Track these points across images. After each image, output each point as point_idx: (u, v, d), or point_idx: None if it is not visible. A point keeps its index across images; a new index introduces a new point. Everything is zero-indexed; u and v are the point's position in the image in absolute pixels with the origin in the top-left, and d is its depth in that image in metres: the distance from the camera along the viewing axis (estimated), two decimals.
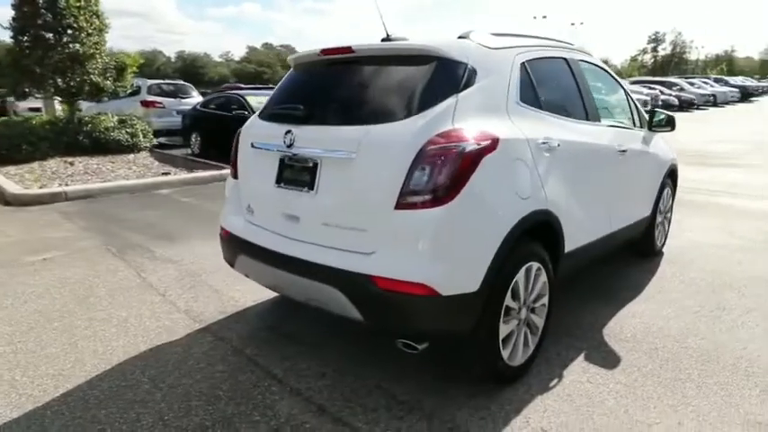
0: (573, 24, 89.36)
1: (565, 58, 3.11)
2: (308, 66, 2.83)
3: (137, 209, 6.46)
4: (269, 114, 2.80)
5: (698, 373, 2.63)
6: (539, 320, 2.63)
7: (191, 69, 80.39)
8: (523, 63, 2.65)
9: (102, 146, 10.02)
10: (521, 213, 2.30)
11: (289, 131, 2.46)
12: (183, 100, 13.64)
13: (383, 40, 2.72)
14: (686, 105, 26.33)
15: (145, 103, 12.88)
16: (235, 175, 2.94)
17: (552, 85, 2.89)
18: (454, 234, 2.09)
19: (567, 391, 2.49)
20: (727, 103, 30.63)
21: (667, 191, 4.42)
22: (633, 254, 4.36)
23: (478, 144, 2.12)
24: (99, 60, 10.42)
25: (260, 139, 2.71)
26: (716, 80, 34.85)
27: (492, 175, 2.17)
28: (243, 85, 15.01)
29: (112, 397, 2.45)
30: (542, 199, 2.45)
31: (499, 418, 2.28)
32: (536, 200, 2.41)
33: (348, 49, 2.51)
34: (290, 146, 2.45)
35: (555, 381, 2.58)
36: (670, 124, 3.88)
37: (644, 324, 3.20)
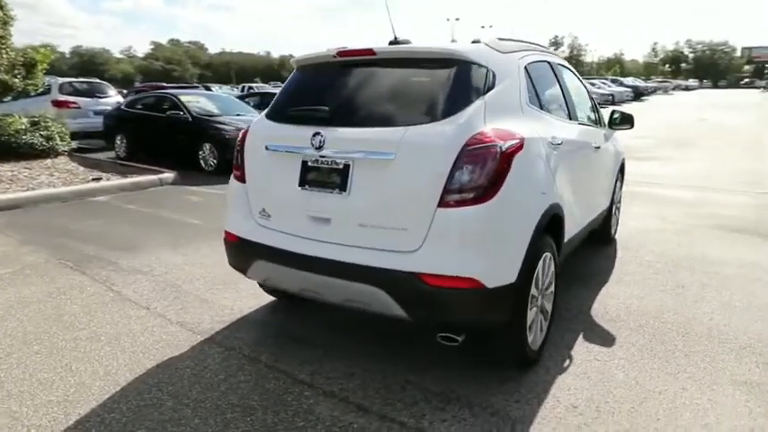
0: (483, 27, 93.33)
1: (548, 62, 3.35)
2: (319, 67, 2.81)
3: (76, 218, 5.95)
4: (284, 116, 2.74)
5: (682, 344, 2.96)
6: (549, 306, 2.82)
7: (89, 66, 74.40)
8: (525, 66, 2.82)
9: (12, 150, 9.07)
10: (543, 207, 2.47)
11: (317, 133, 2.43)
12: (101, 99, 12.65)
13: (391, 42, 2.77)
14: None
15: (57, 103, 11.77)
16: (242, 179, 2.84)
17: (546, 87, 3.10)
18: (496, 229, 2.21)
19: (580, 370, 2.70)
20: (623, 101, 33.69)
21: (619, 183, 4.86)
22: (592, 242, 4.74)
23: (511, 143, 2.25)
24: (4, 56, 9.41)
25: (277, 141, 2.65)
26: (612, 81, 38.20)
27: (522, 172, 2.31)
28: (166, 84, 14.19)
29: (138, 419, 2.30)
30: (555, 194, 2.64)
31: (533, 400, 2.43)
32: (551, 195, 2.59)
33: (369, 51, 2.54)
34: (319, 148, 2.43)
35: (567, 362, 2.78)
36: (629, 122, 4.27)
37: (623, 304, 3.52)
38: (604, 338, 3.05)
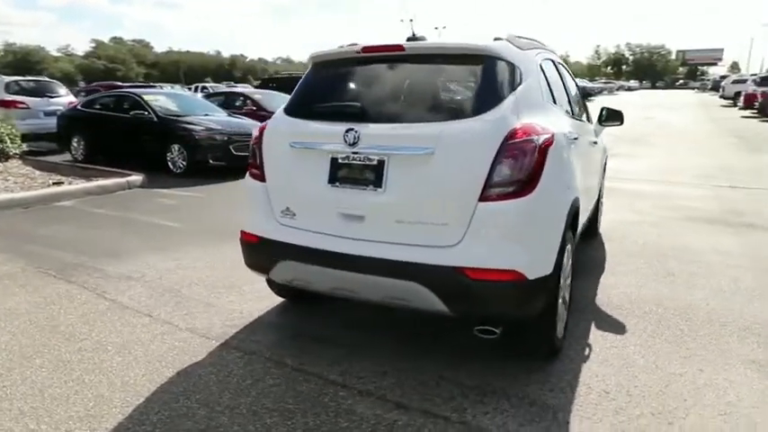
0: (437, 28, 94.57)
1: (552, 60, 3.44)
2: (341, 63, 2.77)
3: (44, 224, 5.60)
4: (309, 112, 2.68)
5: (687, 329, 3.12)
6: (567, 296, 2.90)
7: (24, 64, 69.99)
8: (540, 63, 2.89)
9: None
10: (570, 201, 2.54)
11: (350, 129, 2.40)
12: (52, 99, 11.95)
13: (409, 39, 2.77)
14: None
15: (4, 104, 11.02)
16: (261, 178, 2.76)
17: (554, 84, 3.18)
18: (536, 222, 2.25)
19: (601, 357, 2.79)
20: None
21: (603, 178, 5.06)
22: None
23: (545, 137, 2.30)
24: None
25: (302, 138, 2.59)
26: None
27: (554, 166, 2.36)
28: (122, 84, 13.58)
29: (171, 429, 2.19)
30: (575, 187, 2.72)
31: (566, 388, 2.49)
32: (574, 188, 2.67)
33: (398, 47, 2.52)
34: (352, 144, 2.39)
35: (587, 350, 2.87)
36: (619, 119, 4.44)
37: (623, 293, 3.66)
38: (615, 326, 3.16)
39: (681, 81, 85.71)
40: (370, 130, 2.38)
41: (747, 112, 22.84)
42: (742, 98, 23.67)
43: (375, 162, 2.38)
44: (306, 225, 2.58)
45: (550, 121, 2.56)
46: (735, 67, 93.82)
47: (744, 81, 31.63)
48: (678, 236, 5.06)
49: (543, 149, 2.26)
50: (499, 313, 2.30)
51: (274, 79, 15.88)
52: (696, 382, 2.55)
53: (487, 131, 2.23)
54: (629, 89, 67.26)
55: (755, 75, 31.21)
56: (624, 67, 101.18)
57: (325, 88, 2.79)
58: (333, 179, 2.48)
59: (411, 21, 2.96)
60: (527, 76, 2.55)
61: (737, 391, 2.46)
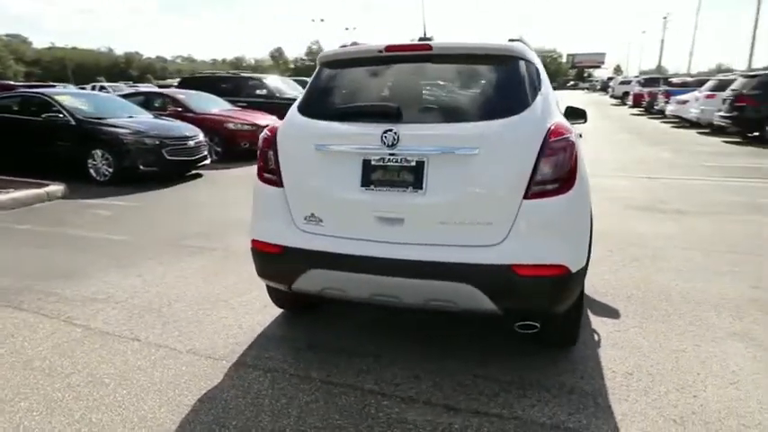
0: (347, 29, 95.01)
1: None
2: (360, 63, 2.68)
3: None
4: (334, 113, 2.57)
5: (671, 309, 3.40)
6: None
7: None
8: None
9: None
10: (590, 194, 2.66)
11: (389, 130, 2.32)
12: None
13: (421, 39, 2.76)
14: None
15: None
16: (277, 183, 2.59)
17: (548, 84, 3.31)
18: (576, 217, 2.33)
19: (610, 342, 2.96)
20: None
21: None
22: None
23: (573, 135, 2.39)
24: None
25: (331, 140, 2.47)
26: None
27: (581, 162, 2.46)
28: (15, 83, 12.09)
29: None
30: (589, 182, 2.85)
31: (594, 374, 2.61)
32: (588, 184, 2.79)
33: (426, 47, 2.49)
34: (392, 145, 2.32)
35: (596, 336, 3.03)
36: (583, 117, 4.71)
37: (602, 279, 3.91)
38: (609, 311, 3.37)
39: (571, 82, 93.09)
40: (409, 131, 2.33)
41: (636, 110, 25.43)
42: (631, 98, 26.22)
43: (414, 163, 2.33)
44: (335, 231, 2.46)
45: (564, 120, 2.66)
46: (618, 69, 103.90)
47: (629, 82, 35.16)
48: (626, 224, 5.50)
49: (576, 146, 2.35)
50: (545, 307, 2.35)
51: (197, 78, 14.99)
52: (699, 356, 2.79)
53: (529, 130, 2.28)
54: None
55: (639, 77, 34.78)
56: None
57: (347, 88, 2.69)
58: (366, 182, 2.39)
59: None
60: (543, 77, 2.63)
61: (735, 361, 2.73)
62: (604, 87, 47.61)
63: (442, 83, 2.56)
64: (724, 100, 13.22)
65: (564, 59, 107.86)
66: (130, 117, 8.69)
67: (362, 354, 2.81)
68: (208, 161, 8.95)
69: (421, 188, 2.32)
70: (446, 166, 2.30)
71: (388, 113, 2.41)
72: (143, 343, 2.96)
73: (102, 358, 2.78)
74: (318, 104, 2.65)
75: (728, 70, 50.06)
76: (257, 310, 3.39)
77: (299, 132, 2.57)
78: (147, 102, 11.08)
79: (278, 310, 3.34)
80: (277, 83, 14.46)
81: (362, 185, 2.40)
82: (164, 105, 11.17)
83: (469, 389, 2.49)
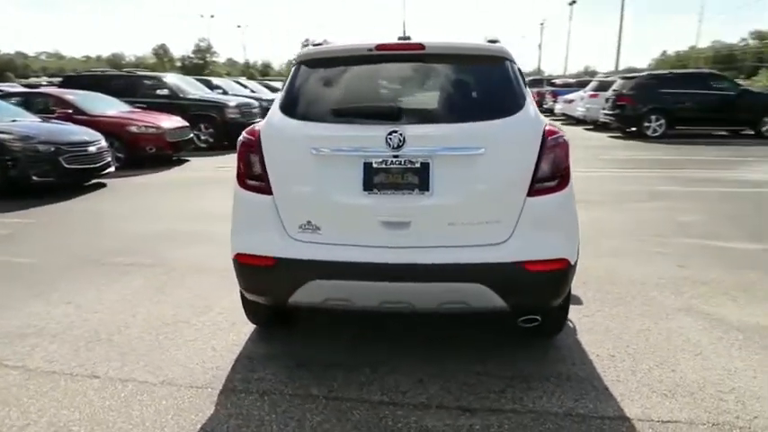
0: (239, 26, 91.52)
1: None
2: (347, 61, 2.56)
3: None
4: (327, 114, 2.42)
5: (624, 291, 3.67)
6: None
7: None
8: None
9: None
10: None
11: (394, 132, 2.24)
12: None
13: (401, 38, 2.70)
14: None
15: None
16: (265, 191, 2.40)
17: None
18: (571, 212, 2.42)
19: (585, 327, 3.13)
20: None
21: None
22: None
23: (563, 134, 2.49)
24: None
25: (329, 143, 2.33)
26: None
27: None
28: None
29: None
30: None
31: (583, 359, 2.75)
32: None
33: (419, 46, 2.43)
34: (397, 147, 2.24)
35: (571, 324, 3.19)
36: None
37: None
38: (573, 298, 3.57)
39: None
40: (414, 132, 2.27)
41: None
42: None
43: (418, 165, 2.28)
44: (335, 239, 2.33)
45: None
46: None
47: None
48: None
49: (568, 145, 2.45)
50: (549, 300, 2.42)
51: (85, 77, 13.44)
52: (662, 333, 3.05)
53: (528, 130, 2.33)
54: None
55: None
56: None
57: (338, 88, 2.55)
58: (369, 186, 2.29)
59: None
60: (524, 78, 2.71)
61: (692, 335, 3.03)
62: None
63: (436, 82, 2.53)
64: (607, 99, 14.72)
65: None
66: (14, 121, 7.60)
67: (357, 365, 2.71)
68: (112, 168, 8.10)
69: (427, 190, 2.27)
70: (452, 167, 2.28)
71: (389, 114, 2.33)
72: (104, 379, 2.59)
73: (59, 403, 2.39)
74: (308, 105, 2.50)
75: (594, 72, 55.70)
76: (226, 328, 3.13)
77: (290, 135, 2.40)
78: (26, 103, 9.75)
79: (249, 328, 3.11)
80: (178, 82, 13.53)
81: (365, 189, 2.30)
82: (47, 107, 9.91)
83: (476, 388, 2.50)
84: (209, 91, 15.00)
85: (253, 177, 2.44)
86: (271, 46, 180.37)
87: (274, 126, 2.45)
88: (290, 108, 2.48)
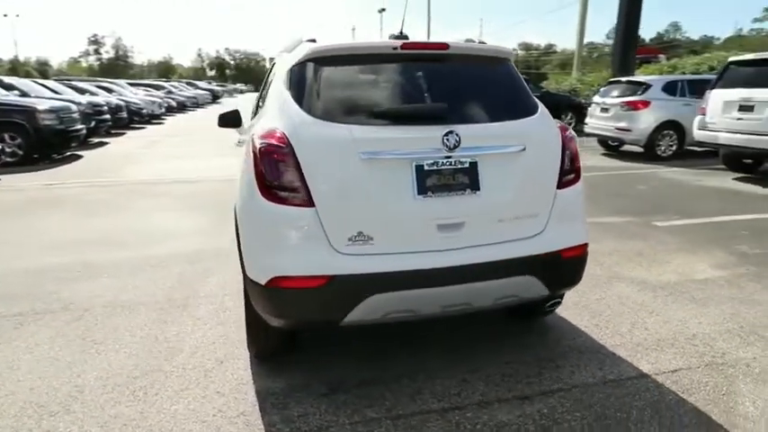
0: (6, 15, 76.39)
1: None
2: (369, 59, 2.41)
3: None
4: (373, 116, 2.25)
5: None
6: None
7: None
8: None
9: None
10: None
11: (450, 132, 2.18)
12: None
13: (397, 37, 2.66)
14: (182, 107, 28.70)
15: None
16: (306, 203, 2.12)
17: None
18: (583, 200, 2.66)
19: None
20: (205, 104, 35.09)
21: None
22: None
23: None
24: None
25: (379, 146, 2.15)
26: (188, 84, 38.93)
27: None
28: None
29: None
30: None
31: (581, 333, 3.05)
32: None
33: (443, 46, 2.40)
34: (453, 147, 2.19)
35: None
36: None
37: None
38: None
39: None
40: (466, 132, 2.24)
41: None
42: None
43: (467, 164, 2.27)
44: (389, 248, 2.19)
45: None
46: None
47: None
48: None
49: (576, 140, 2.68)
50: (575, 282, 2.61)
51: None
52: (614, 299, 3.54)
53: (551, 127, 2.50)
54: (242, 92, 72.13)
55: None
56: (228, 71, 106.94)
57: (368, 88, 2.38)
58: (423, 189, 2.20)
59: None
60: None
61: (636, 297, 3.58)
62: None
63: (466, 83, 2.52)
64: None
65: (267, 64, 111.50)
66: None
67: (393, 378, 2.58)
68: None
69: (478, 189, 2.28)
70: (496, 165, 2.33)
71: (438, 115, 2.27)
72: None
73: None
74: (344, 107, 2.28)
75: None
76: (215, 368, 2.69)
77: (334, 139, 2.16)
78: None
79: (242, 362, 2.74)
80: None
81: (419, 193, 2.21)
82: None
83: (516, 376, 2.60)
84: (4, 92, 12.31)
85: (285, 188, 2.14)
86: (47, 41, 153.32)
87: (309, 130, 2.19)
88: (320, 110, 2.24)
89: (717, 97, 8.01)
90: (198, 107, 32.36)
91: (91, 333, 3.09)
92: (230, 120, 4.54)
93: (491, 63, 2.58)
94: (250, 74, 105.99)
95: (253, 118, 4.28)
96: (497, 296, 2.37)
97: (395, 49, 2.37)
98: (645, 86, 10.16)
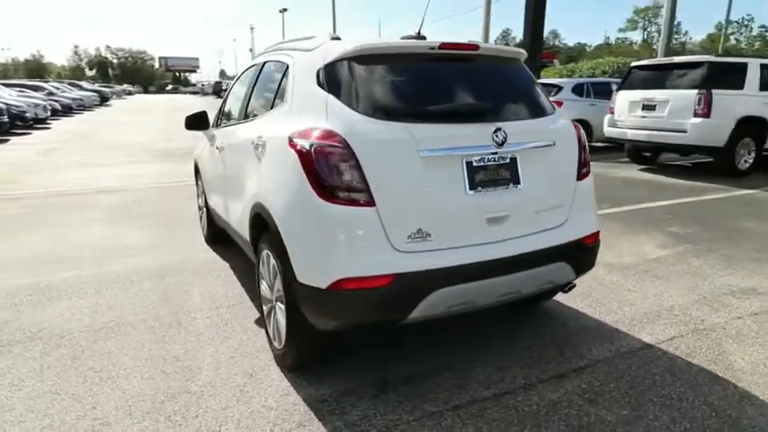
0: None
1: None
2: (411, 59, 2.43)
3: None
4: (422, 113, 2.28)
5: None
6: None
7: None
8: None
9: None
10: None
11: (498, 129, 2.29)
12: None
13: (414, 37, 2.71)
14: (67, 109, 26.10)
15: None
16: (367, 202, 2.10)
17: None
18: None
19: None
20: (92, 106, 32.08)
21: None
22: None
23: None
24: None
25: (436, 143, 2.19)
26: (71, 85, 35.24)
27: None
28: None
29: None
30: None
31: (579, 313, 3.31)
32: None
33: (474, 47, 2.49)
34: (501, 143, 2.29)
35: None
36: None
37: None
38: None
39: (171, 86, 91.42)
40: (510, 128, 2.36)
41: None
42: None
43: (508, 160, 2.38)
44: (446, 242, 2.24)
45: None
46: (223, 74, 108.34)
47: None
48: None
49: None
50: (592, 266, 2.81)
51: None
52: (594, 280, 3.86)
53: (569, 123, 2.70)
54: (130, 93, 66.85)
55: None
56: (111, 70, 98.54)
57: (414, 86, 2.38)
58: (473, 185, 2.28)
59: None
60: None
61: (609, 277, 3.95)
62: (217, 91, 49.07)
63: (496, 82, 2.62)
64: None
65: (156, 63, 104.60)
66: None
67: (433, 373, 2.62)
68: None
69: (519, 182, 2.41)
70: (531, 159, 2.46)
71: (486, 112, 2.37)
72: None
73: None
74: (397, 105, 2.29)
75: None
76: (247, 382, 2.56)
77: (393, 138, 2.16)
78: None
79: (274, 374, 2.63)
80: None
81: (470, 189, 2.28)
82: None
83: (543, 359, 2.77)
84: None
85: (346, 189, 2.11)
86: None
87: (367, 129, 2.16)
88: (372, 109, 2.23)
89: (623, 98, 8.99)
90: (85, 110, 29.58)
91: (83, 361, 2.77)
92: (198, 122, 4.31)
93: (511, 63, 2.73)
94: (137, 74, 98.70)
95: (223, 121, 4.08)
96: (540, 282, 2.53)
97: (432, 48, 2.42)
98: (557, 88, 11.10)
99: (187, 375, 2.62)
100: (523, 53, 2.79)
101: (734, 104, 7.87)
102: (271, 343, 2.81)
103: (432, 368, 2.67)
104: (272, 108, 2.88)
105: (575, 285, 2.97)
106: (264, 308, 2.86)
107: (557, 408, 2.34)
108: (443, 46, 2.44)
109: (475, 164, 2.31)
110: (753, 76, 8.04)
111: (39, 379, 2.60)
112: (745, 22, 54.75)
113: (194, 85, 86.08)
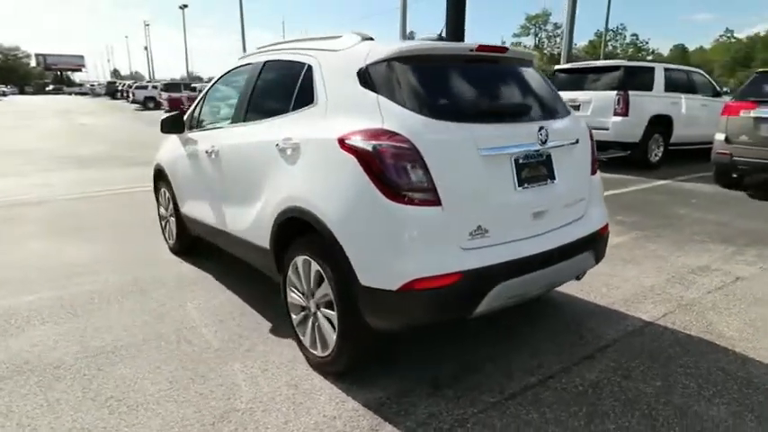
0: None
1: None
2: (451, 60, 2.47)
3: None
4: (476, 113, 2.36)
5: None
6: None
7: None
8: None
9: None
10: None
11: (542, 128, 2.41)
12: None
13: (438, 38, 2.79)
14: None
15: None
16: (434, 202, 2.12)
17: None
18: None
19: None
20: None
21: None
22: None
23: None
24: None
25: (492, 142, 2.26)
26: None
27: None
28: None
29: None
30: None
31: (582, 299, 3.55)
32: None
33: (504, 49, 2.60)
34: (545, 142, 2.41)
35: None
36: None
37: None
38: None
39: (52, 86, 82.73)
40: (549, 127, 2.48)
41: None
42: (166, 102, 26.62)
43: (544, 157, 2.52)
44: (500, 238, 2.32)
45: None
46: (117, 73, 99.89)
47: (145, 87, 35.51)
48: None
49: None
50: (604, 254, 3.03)
51: None
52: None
53: (583, 122, 2.89)
54: (4, 94, 59.66)
55: (158, 82, 35.41)
56: None
57: (463, 87, 2.41)
58: (521, 181, 2.39)
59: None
60: None
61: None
62: (112, 92, 45.31)
63: (524, 82, 2.71)
64: None
65: (33, 61, 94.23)
66: None
67: (477, 367, 2.69)
68: None
69: (554, 178, 2.55)
70: (561, 156, 2.62)
71: (529, 111, 2.50)
72: None
73: None
74: (449, 105, 2.33)
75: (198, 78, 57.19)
76: (298, 393, 2.46)
77: (455, 138, 2.20)
78: None
79: (320, 382, 2.56)
80: None
81: (519, 185, 2.38)
82: None
83: (569, 341, 2.95)
84: None
85: (415, 189, 2.11)
86: None
87: (429, 129, 2.17)
88: (429, 109, 2.23)
89: None
90: None
91: (97, 391, 2.50)
92: (175, 125, 4.06)
93: (530, 66, 2.87)
94: (11, 74, 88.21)
95: (205, 123, 3.84)
96: (576, 271, 2.72)
97: (471, 50, 2.49)
98: None
99: (226, 393, 2.46)
100: (535, 55, 2.95)
101: (646, 104, 8.82)
102: (305, 350, 2.71)
103: (473, 362, 2.73)
104: (293, 110, 2.77)
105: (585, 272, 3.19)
106: (294, 316, 2.76)
107: (599, 386, 2.51)
108: (480, 48, 2.52)
109: (521, 161, 2.42)
110: (659, 78, 9.06)
111: (54, 415, 2.30)
112: (620, 31, 60.88)
113: (81, 85, 78.75)
